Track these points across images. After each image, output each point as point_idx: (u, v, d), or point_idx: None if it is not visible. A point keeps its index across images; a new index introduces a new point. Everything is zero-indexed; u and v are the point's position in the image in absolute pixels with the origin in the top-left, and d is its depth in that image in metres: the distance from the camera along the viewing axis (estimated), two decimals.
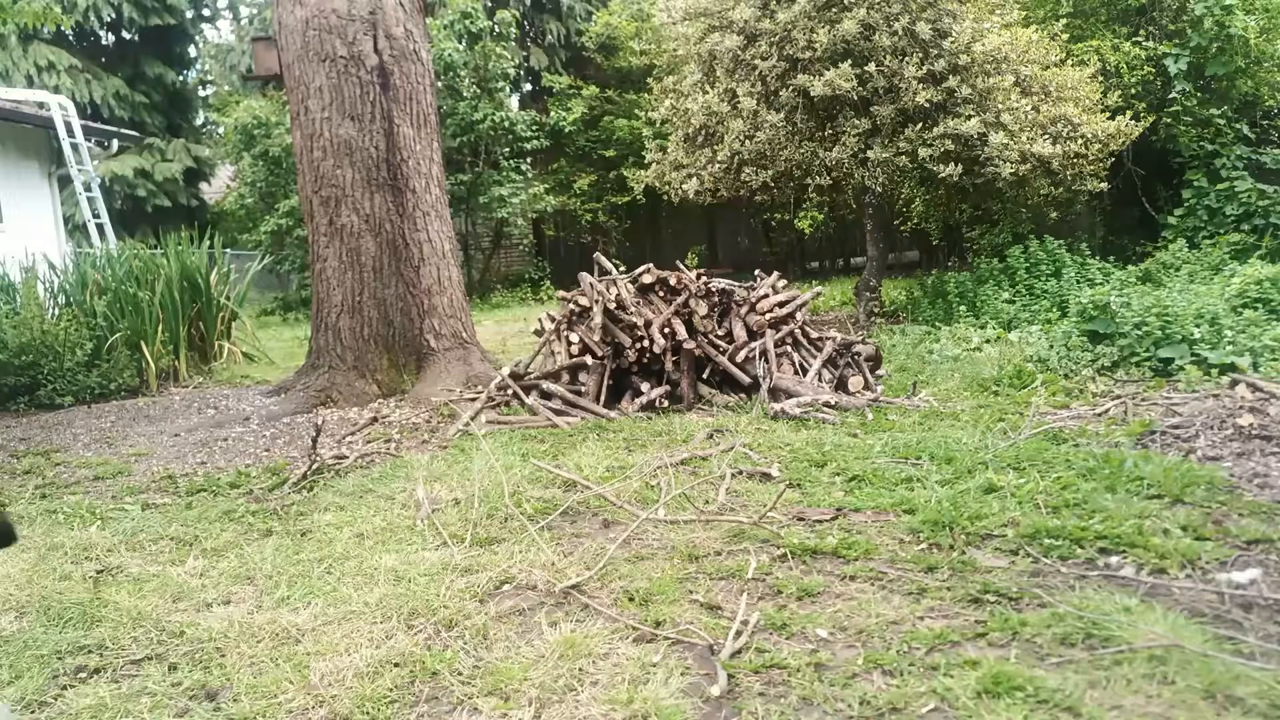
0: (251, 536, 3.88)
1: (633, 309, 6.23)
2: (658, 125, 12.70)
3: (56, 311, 9.01)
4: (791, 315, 6.61)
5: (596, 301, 6.22)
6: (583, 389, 6.22)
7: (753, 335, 6.36)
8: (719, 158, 10.59)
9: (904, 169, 9.94)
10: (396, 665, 2.56)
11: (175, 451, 5.87)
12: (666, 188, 11.70)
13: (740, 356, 6.16)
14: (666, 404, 6.04)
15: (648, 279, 6.48)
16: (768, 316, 6.47)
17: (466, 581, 3.16)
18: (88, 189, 13.59)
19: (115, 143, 16.74)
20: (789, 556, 3.22)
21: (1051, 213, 12.09)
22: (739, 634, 2.60)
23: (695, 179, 10.94)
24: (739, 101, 10.10)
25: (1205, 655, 2.28)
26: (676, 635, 2.64)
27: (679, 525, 3.63)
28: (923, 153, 9.34)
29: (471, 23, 18.08)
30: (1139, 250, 12.20)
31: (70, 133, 13.49)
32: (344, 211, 7.10)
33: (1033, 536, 3.21)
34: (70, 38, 22.00)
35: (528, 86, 23.92)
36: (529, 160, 19.76)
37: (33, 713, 2.44)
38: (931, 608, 2.74)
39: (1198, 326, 6.27)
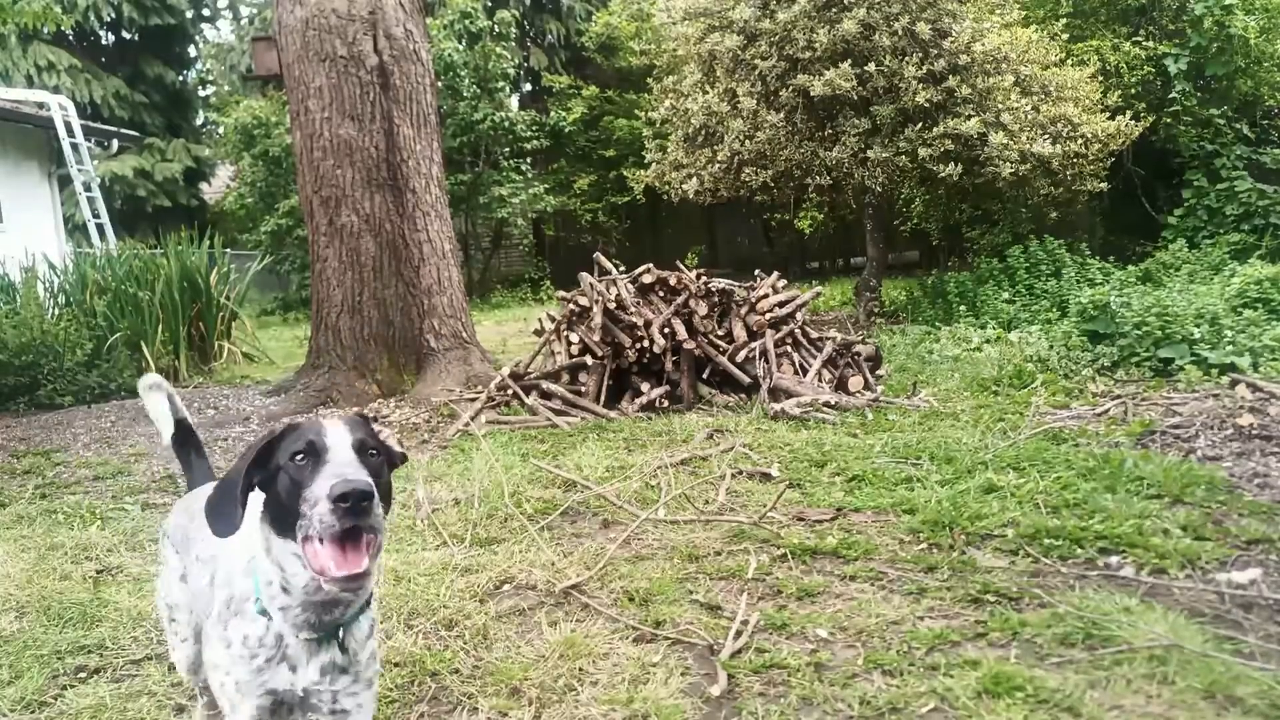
0: None
1: (633, 309, 6.23)
2: (658, 125, 12.70)
3: (56, 311, 9.01)
4: (791, 315, 6.60)
5: (596, 301, 6.22)
6: (583, 389, 6.22)
7: (753, 335, 6.36)
8: (719, 158, 10.59)
9: (904, 169, 9.94)
10: (396, 665, 2.56)
11: None
12: (666, 188, 11.70)
13: (740, 356, 6.16)
14: (666, 404, 6.04)
15: (648, 279, 6.48)
16: (768, 316, 6.47)
17: (466, 581, 3.16)
18: (88, 189, 13.59)
19: (115, 143, 16.75)
20: (789, 556, 3.22)
21: (1051, 213, 12.10)
22: (739, 634, 2.60)
23: (695, 179, 10.94)
24: (739, 101, 10.10)
25: (1205, 655, 2.28)
26: (676, 635, 2.64)
27: (679, 525, 3.63)
28: (923, 153, 9.34)
29: (471, 23, 18.08)
30: (1139, 250, 12.20)
31: (70, 133, 13.49)
32: (344, 211, 7.10)
33: (1033, 536, 3.21)
34: (70, 38, 21.99)
35: (528, 86, 23.92)
36: (529, 160, 19.76)
37: (33, 713, 2.44)
38: (931, 608, 2.74)
39: (1198, 326, 6.27)
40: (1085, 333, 6.62)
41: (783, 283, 7.08)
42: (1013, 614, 2.63)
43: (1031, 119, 9.64)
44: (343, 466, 1.41)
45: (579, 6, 23.27)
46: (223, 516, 1.49)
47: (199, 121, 27.54)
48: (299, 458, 1.44)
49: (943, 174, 9.42)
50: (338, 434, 1.49)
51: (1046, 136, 9.56)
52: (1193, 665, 2.25)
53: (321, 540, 1.40)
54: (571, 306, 6.42)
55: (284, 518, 1.46)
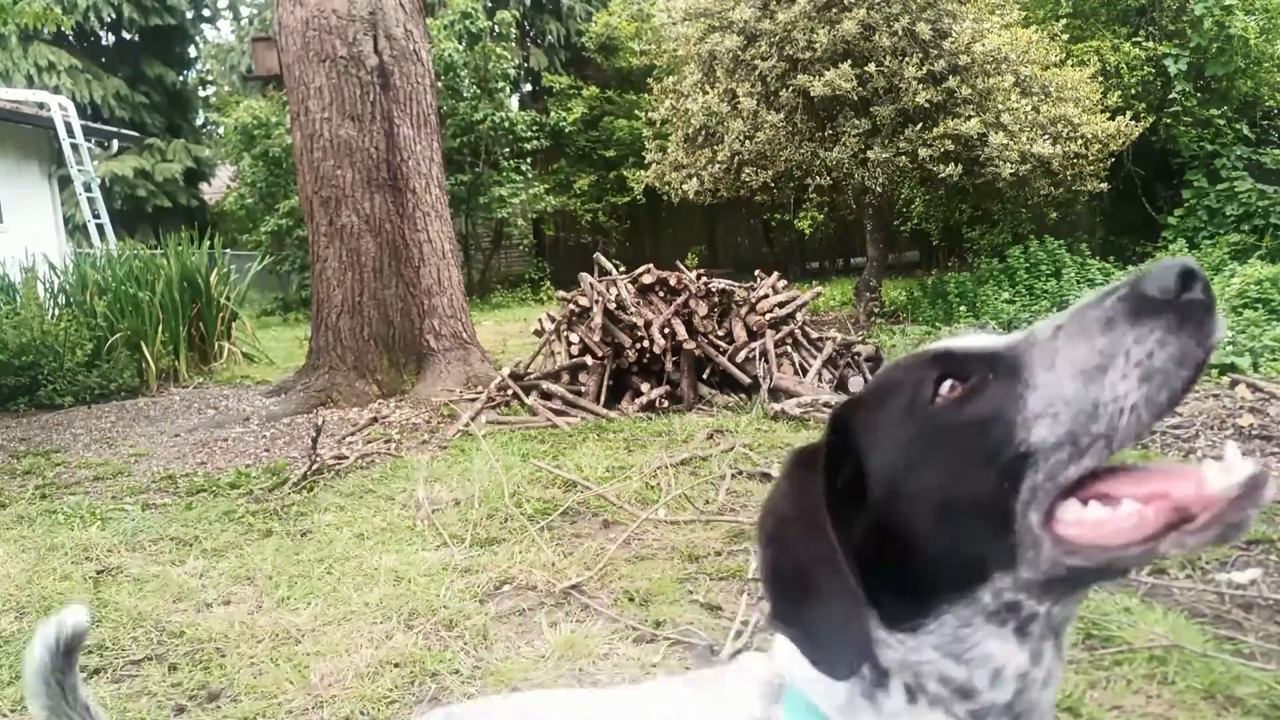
0: (251, 537, 3.88)
1: (633, 309, 6.23)
2: (658, 125, 12.71)
3: (56, 312, 9.01)
4: (791, 315, 6.61)
5: (596, 302, 6.22)
6: (583, 389, 6.22)
7: (753, 335, 6.36)
8: (719, 158, 10.59)
9: (904, 169, 9.94)
10: (396, 665, 2.56)
11: (175, 452, 5.87)
12: (666, 188, 11.70)
13: (740, 357, 6.16)
14: (666, 404, 6.04)
15: (648, 279, 6.48)
16: (768, 317, 6.47)
17: (466, 582, 3.16)
18: (88, 189, 13.59)
19: (115, 143, 16.76)
20: None
21: (1051, 213, 12.10)
22: (739, 634, 2.59)
23: (695, 179, 10.94)
24: (739, 102, 10.10)
25: (1205, 655, 2.28)
26: (676, 635, 2.64)
27: (679, 525, 3.63)
28: (923, 153, 9.34)
29: (471, 23, 18.09)
30: (1139, 250, 12.20)
31: (70, 133, 13.49)
32: (344, 212, 7.10)
33: None
34: (70, 38, 22.00)
35: (528, 87, 23.92)
36: (529, 160, 19.77)
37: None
38: None
39: None
40: None
41: (783, 283, 7.08)
42: None
43: (1031, 119, 9.64)
44: (1090, 328, 0.73)
45: (579, 7, 23.28)
46: (838, 624, 0.76)
47: (199, 122, 27.55)
48: (947, 384, 0.78)
49: (943, 174, 9.42)
50: (968, 335, 0.84)
51: (1046, 137, 9.56)
52: (1193, 665, 2.25)
53: (1079, 491, 0.74)
54: (571, 307, 6.42)
55: (957, 548, 0.76)
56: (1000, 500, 0.73)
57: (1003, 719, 0.78)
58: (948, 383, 0.77)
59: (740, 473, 4.33)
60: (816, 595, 0.77)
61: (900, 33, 9.29)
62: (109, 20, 22.23)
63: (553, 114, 20.19)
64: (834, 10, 9.51)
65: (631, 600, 2.92)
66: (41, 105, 14.02)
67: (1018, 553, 0.74)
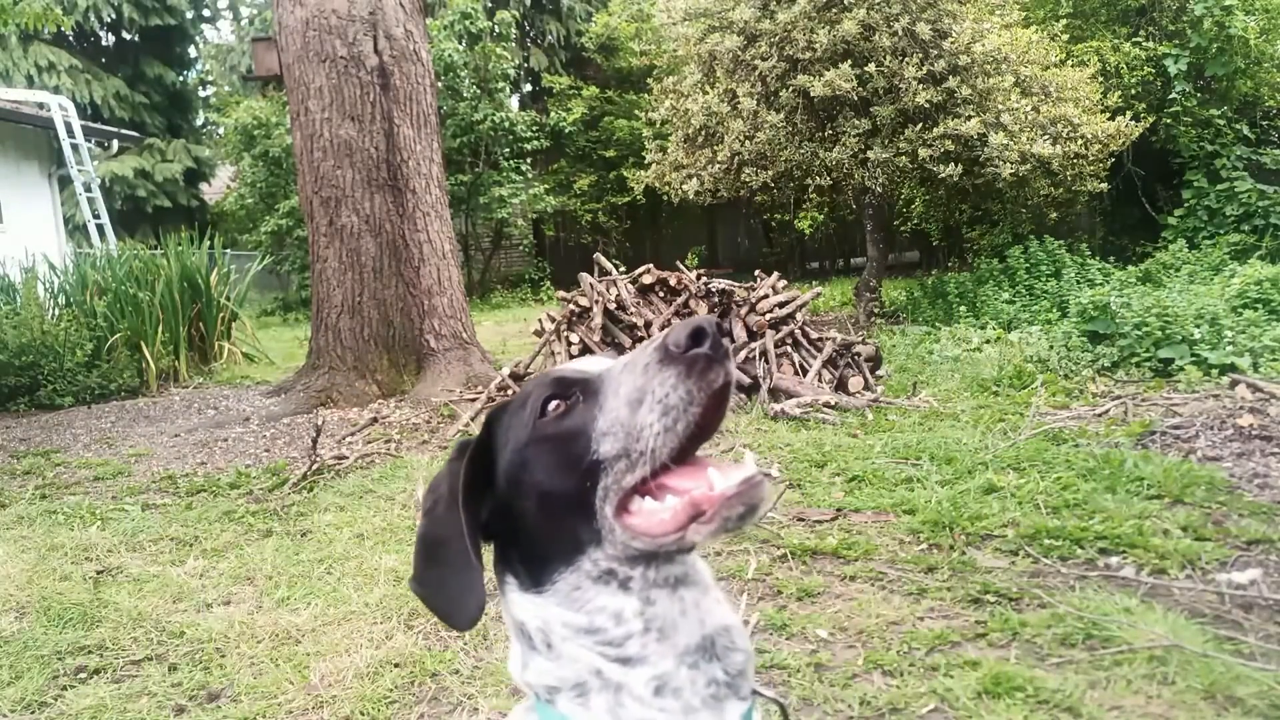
0: (252, 537, 3.88)
1: (633, 309, 6.23)
2: (658, 125, 12.70)
3: (57, 312, 9.01)
4: (791, 315, 6.60)
5: (596, 302, 6.22)
6: None
7: (753, 335, 6.36)
8: (719, 158, 10.59)
9: (904, 169, 9.94)
10: (396, 665, 2.56)
11: (175, 452, 5.86)
12: (666, 188, 11.70)
13: (740, 357, 6.16)
14: None
15: (648, 279, 6.48)
16: (768, 317, 6.47)
17: None
18: (88, 189, 13.59)
19: (115, 143, 16.77)
20: (789, 557, 3.22)
21: (1051, 213, 12.11)
22: None
23: (695, 179, 10.94)
24: (739, 102, 10.09)
25: (1205, 655, 2.28)
26: None
27: None
28: (923, 153, 9.34)
29: (471, 23, 18.09)
30: (1139, 251, 12.21)
31: (70, 133, 13.50)
32: (344, 212, 7.10)
33: (1033, 537, 3.21)
34: (70, 38, 22.01)
35: (528, 87, 23.93)
36: (529, 160, 19.77)
37: (33, 713, 2.44)
38: (931, 608, 2.73)
39: (1198, 327, 6.27)
40: (1085, 333, 6.62)
41: (783, 283, 7.08)
42: (1013, 614, 2.63)
43: (1031, 119, 9.64)
44: (637, 369, 0.90)
45: (579, 7, 23.28)
46: (459, 588, 0.95)
47: (199, 122, 27.55)
48: (553, 404, 0.95)
49: (943, 174, 9.42)
50: (589, 360, 1.03)
51: (1047, 137, 9.56)
52: (1193, 665, 2.25)
53: (644, 487, 0.90)
54: (571, 307, 6.42)
55: (557, 529, 0.94)
56: (585, 495, 0.91)
57: (646, 637, 0.93)
58: (554, 402, 0.95)
59: None
60: (447, 563, 0.95)
61: (900, 33, 9.29)
62: (109, 20, 22.24)
63: (553, 114, 20.19)
64: (834, 10, 9.51)
65: None
66: (41, 105, 14.02)
67: (602, 535, 0.92)
